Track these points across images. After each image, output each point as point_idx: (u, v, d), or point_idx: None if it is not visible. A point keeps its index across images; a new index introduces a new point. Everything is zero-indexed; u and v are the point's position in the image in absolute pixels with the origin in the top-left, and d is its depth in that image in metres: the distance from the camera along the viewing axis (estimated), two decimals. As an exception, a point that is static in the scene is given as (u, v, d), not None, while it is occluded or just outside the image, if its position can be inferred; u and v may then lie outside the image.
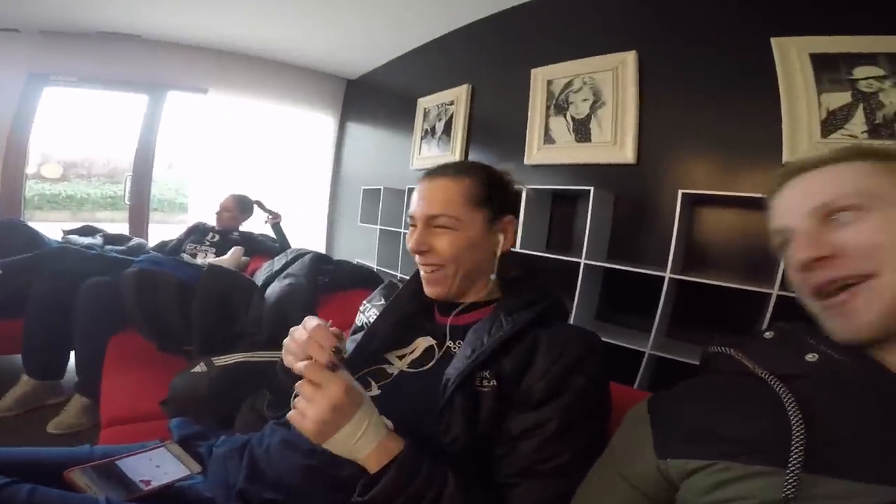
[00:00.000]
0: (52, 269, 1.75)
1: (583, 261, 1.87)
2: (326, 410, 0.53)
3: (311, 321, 0.62)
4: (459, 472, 0.57)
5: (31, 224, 2.29)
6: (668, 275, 1.64)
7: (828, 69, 1.53)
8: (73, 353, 1.75)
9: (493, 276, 0.77)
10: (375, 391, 0.71)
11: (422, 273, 0.78)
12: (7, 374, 1.88)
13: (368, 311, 0.91)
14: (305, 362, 0.57)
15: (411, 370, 0.74)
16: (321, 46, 3.72)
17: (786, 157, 1.58)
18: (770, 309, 1.43)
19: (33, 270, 1.74)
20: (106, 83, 3.76)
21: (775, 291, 1.42)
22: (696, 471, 0.47)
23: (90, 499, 0.62)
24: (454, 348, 0.73)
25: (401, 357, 0.76)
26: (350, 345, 0.81)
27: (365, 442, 0.54)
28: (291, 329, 0.64)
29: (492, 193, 0.77)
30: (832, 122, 1.52)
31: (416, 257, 0.77)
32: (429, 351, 0.75)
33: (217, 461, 0.76)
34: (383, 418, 0.58)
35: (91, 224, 2.67)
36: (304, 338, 0.60)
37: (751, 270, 1.69)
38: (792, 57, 1.58)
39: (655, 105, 1.99)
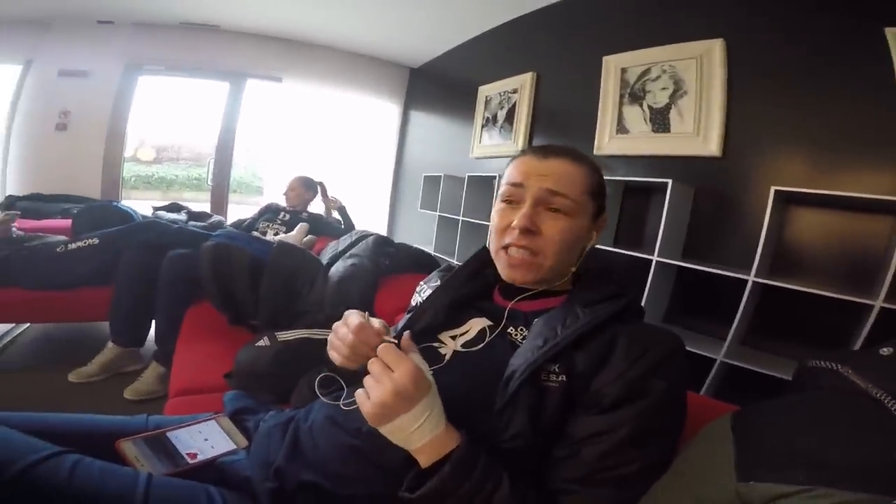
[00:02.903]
0: (140, 239, 1.89)
1: (655, 258, 1.76)
2: (389, 394, 0.51)
3: (352, 318, 0.60)
4: (514, 470, 0.54)
5: (125, 202, 2.51)
6: (751, 278, 1.50)
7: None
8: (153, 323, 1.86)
9: (573, 269, 0.71)
10: (429, 374, 0.69)
11: (507, 254, 0.68)
12: (96, 340, 2.06)
13: (424, 292, 0.87)
14: (383, 344, 0.56)
15: (465, 351, 0.69)
16: (385, 34, 3.77)
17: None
18: (870, 322, 1.28)
19: (125, 240, 1.89)
20: (191, 71, 4.06)
21: (878, 303, 1.27)
22: (783, 496, 0.42)
23: (131, 473, 0.60)
24: (515, 334, 0.68)
25: (453, 337, 0.72)
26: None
27: (421, 433, 0.52)
28: (335, 325, 0.63)
29: (602, 186, 0.73)
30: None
31: (509, 236, 0.67)
32: (483, 333, 0.70)
33: (260, 437, 0.75)
34: None
35: (178, 202, 2.91)
36: (348, 337, 0.59)
37: (849, 279, 1.53)
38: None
39: (745, 96, 1.83)
